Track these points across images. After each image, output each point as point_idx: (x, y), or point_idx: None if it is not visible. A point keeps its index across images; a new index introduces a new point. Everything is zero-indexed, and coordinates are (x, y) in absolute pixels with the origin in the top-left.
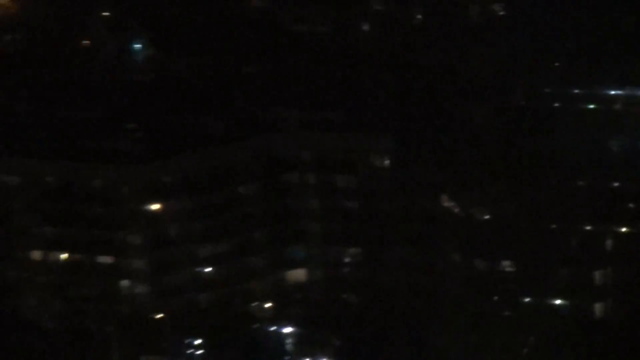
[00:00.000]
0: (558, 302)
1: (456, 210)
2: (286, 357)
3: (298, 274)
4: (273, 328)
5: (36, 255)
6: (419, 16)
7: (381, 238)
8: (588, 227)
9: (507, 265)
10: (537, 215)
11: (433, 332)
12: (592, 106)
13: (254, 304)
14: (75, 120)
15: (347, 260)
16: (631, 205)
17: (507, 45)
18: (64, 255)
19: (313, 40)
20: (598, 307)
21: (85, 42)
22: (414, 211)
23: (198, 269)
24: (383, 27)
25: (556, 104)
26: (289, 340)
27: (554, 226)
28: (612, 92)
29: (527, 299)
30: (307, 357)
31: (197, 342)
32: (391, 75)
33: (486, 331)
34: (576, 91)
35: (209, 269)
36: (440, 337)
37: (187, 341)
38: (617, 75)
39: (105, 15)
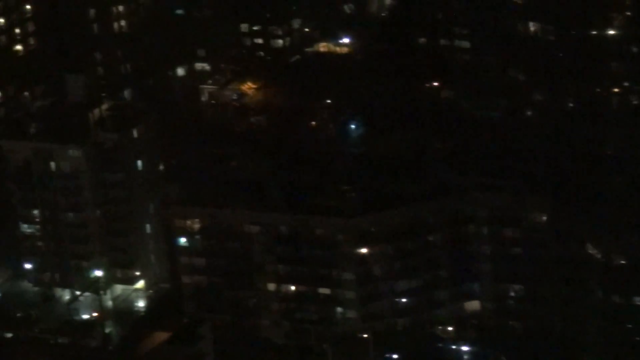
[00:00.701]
0: None
1: (598, 255)
2: None
3: (474, 305)
4: (454, 347)
5: (271, 287)
6: (571, 104)
7: (539, 277)
8: None
9: (638, 300)
10: None
11: (580, 351)
12: None
13: (439, 328)
14: (301, 183)
15: (512, 294)
16: None
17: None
18: (292, 287)
19: (488, 123)
20: None
21: (313, 123)
22: (565, 256)
23: (396, 299)
24: (542, 112)
25: None
26: (466, 357)
27: None
28: None
29: None
30: None
31: (395, 356)
32: (548, 150)
33: (621, 352)
34: None
35: (404, 300)
36: (586, 356)
37: (386, 356)
38: None
39: (328, 103)
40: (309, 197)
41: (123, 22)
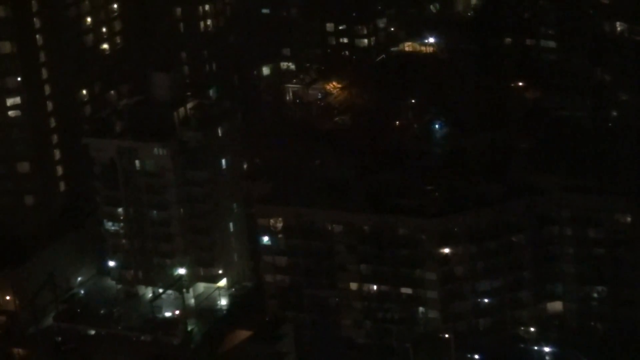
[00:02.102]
0: None
1: None
2: None
3: (556, 306)
4: (536, 347)
5: (353, 286)
6: None
7: (623, 279)
8: None
9: None
10: None
11: None
12: None
13: (521, 328)
14: (385, 182)
15: (595, 296)
16: None
17: None
18: (374, 287)
19: (573, 123)
20: None
21: (397, 122)
22: None
23: (478, 300)
24: (628, 112)
25: None
26: (548, 358)
27: None
28: None
29: None
30: None
31: (477, 357)
32: (633, 150)
33: None
34: None
35: (486, 300)
36: None
37: (468, 356)
38: None
39: (413, 103)
40: (393, 197)
41: (209, 22)
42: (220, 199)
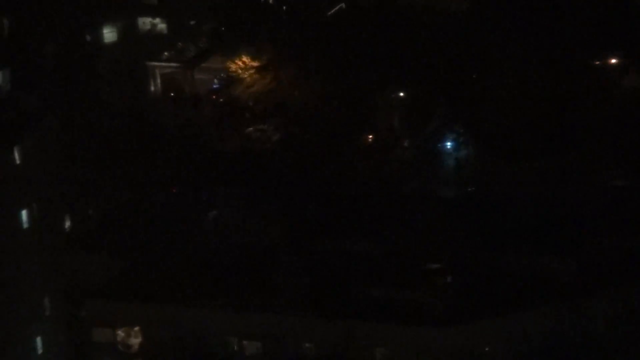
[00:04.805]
0: None
1: None
2: None
3: None
4: None
5: None
6: None
7: None
8: None
9: None
10: None
11: None
12: None
13: None
14: (347, 254)
15: None
16: None
17: None
18: None
19: None
20: None
21: (370, 136)
22: None
23: None
24: None
25: None
26: None
27: None
28: None
29: None
30: None
31: None
32: None
33: None
34: None
35: None
36: None
37: None
38: None
39: (400, 97)
40: (359, 283)
41: None
42: (18, 287)
